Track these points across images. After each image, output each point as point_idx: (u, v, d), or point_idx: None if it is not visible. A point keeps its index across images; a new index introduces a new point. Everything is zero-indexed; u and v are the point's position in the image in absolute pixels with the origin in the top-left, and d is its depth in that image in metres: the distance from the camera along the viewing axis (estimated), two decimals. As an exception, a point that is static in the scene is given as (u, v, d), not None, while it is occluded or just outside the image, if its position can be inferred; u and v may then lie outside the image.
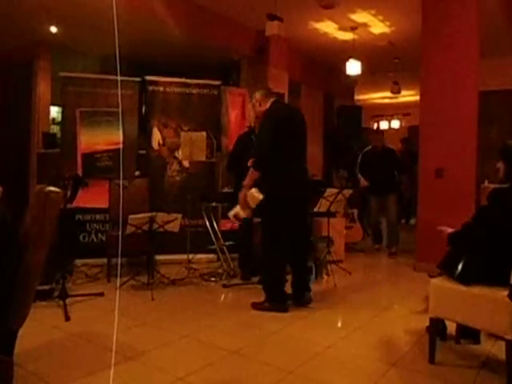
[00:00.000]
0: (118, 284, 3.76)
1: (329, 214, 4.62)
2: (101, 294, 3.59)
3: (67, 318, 3.11)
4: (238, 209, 3.43)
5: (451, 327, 2.80)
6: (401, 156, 6.95)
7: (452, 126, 4.67)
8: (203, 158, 4.54)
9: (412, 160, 6.83)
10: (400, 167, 5.97)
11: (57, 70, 5.59)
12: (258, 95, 3.61)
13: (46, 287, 3.44)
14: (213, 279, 4.26)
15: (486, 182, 5.97)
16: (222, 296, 3.86)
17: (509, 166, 2.53)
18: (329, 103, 8.95)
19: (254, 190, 3.33)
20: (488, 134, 6.24)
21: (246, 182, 3.38)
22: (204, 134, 4.47)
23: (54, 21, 5.83)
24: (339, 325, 3.36)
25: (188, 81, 5.23)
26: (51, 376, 2.32)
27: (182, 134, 4.62)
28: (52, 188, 2.12)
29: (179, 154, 4.82)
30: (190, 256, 4.45)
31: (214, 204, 4.68)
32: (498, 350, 2.58)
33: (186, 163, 4.96)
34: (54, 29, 6.02)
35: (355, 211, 6.01)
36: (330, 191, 4.49)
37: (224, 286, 4.04)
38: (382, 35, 6.64)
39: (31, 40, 6.56)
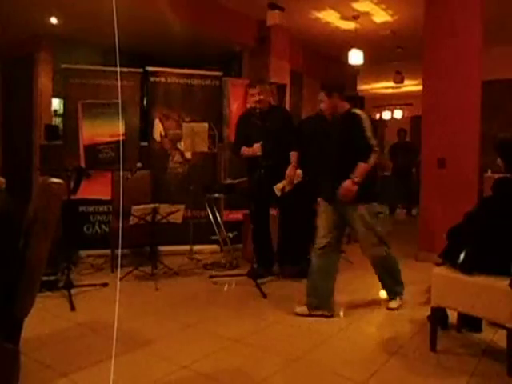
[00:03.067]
0: (118, 274, 3.80)
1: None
2: (105, 285, 3.63)
3: (72, 308, 3.15)
4: (285, 182, 3.80)
5: (453, 316, 2.82)
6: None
7: (455, 116, 4.64)
8: (205, 149, 4.54)
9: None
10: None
11: (59, 62, 5.58)
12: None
13: (52, 277, 3.48)
14: (216, 269, 4.28)
15: (490, 171, 5.95)
16: (226, 286, 3.88)
17: (506, 161, 2.54)
18: (331, 93, 8.90)
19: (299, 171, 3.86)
20: (491, 123, 6.21)
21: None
22: (206, 124, 4.46)
23: (55, 12, 5.80)
24: (341, 314, 3.37)
25: (189, 71, 5.21)
26: (56, 364, 2.36)
27: (184, 125, 4.60)
28: (55, 179, 2.13)
29: (181, 145, 4.83)
30: (195, 247, 4.47)
31: (216, 195, 4.69)
32: (499, 339, 2.59)
33: (188, 155, 4.96)
34: (54, 20, 6.00)
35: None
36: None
37: (211, 276, 3.99)
38: (384, 24, 6.58)
39: (32, 32, 6.54)
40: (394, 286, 3.33)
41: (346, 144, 3.07)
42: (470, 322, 2.80)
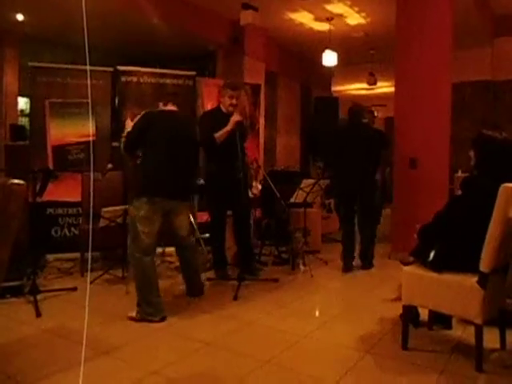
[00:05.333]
0: (88, 278, 3.68)
1: (305, 205, 4.64)
2: (74, 289, 3.51)
3: (38, 314, 3.03)
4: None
5: (424, 314, 2.86)
6: None
7: (426, 117, 4.72)
8: None
9: None
10: None
11: (25, 60, 5.40)
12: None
13: (17, 283, 3.35)
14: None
15: (460, 171, 6.09)
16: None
17: (479, 154, 2.58)
18: (306, 94, 8.96)
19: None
20: (461, 124, 6.35)
21: None
22: None
23: (21, 8, 5.62)
24: (315, 314, 3.38)
25: (162, 71, 5.14)
26: (20, 374, 2.26)
27: None
28: (15, 180, 2.05)
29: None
30: (168, 249, 4.39)
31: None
32: (469, 335, 2.63)
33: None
34: (21, 16, 5.81)
35: (332, 201, 6.05)
36: (306, 182, 4.49)
37: (209, 279, 3.95)
38: (357, 26, 6.67)
39: (-3, 28, 6.34)
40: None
41: None
42: (440, 320, 2.84)
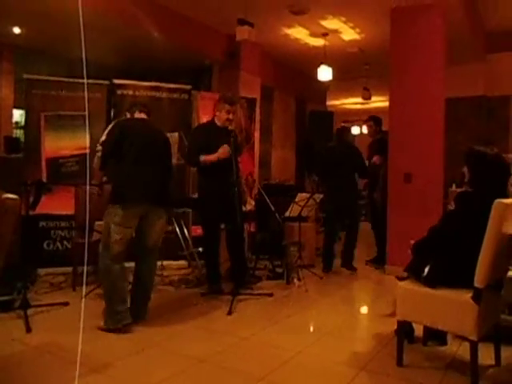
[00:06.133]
0: (83, 292, 3.63)
1: (300, 219, 4.63)
2: (65, 304, 3.46)
3: (28, 330, 2.97)
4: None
5: (419, 330, 2.84)
6: None
7: (420, 132, 4.77)
8: (174, 161, 4.41)
9: None
10: None
11: (21, 72, 5.41)
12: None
13: (7, 298, 3.29)
14: (183, 286, 4.19)
15: (454, 185, 6.12)
16: (194, 303, 3.78)
17: (472, 171, 2.59)
18: (301, 108, 9.02)
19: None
20: (455, 139, 6.40)
21: None
22: (176, 134, 4.36)
23: (18, 22, 5.65)
24: (310, 330, 3.35)
25: (158, 84, 5.15)
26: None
27: None
28: (9, 195, 2.03)
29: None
30: (160, 263, 4.35)
31: (184, 210, 4.60)
32: (464, 351, 2.61)
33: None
34: (17, 30, 5.84)
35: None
36: (301, 196, 4.49)
37: (202, 294, 3.93)
38: (352, 42, 6.74)
39: (-7, 41, 6.36)
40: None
41: None
42: (435, 335, 2.82)
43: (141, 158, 3.11)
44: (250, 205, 4.25)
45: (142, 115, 3.36)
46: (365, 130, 11.50)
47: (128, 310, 3.05)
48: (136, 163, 3.09)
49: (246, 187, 4.44)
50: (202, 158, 3.79)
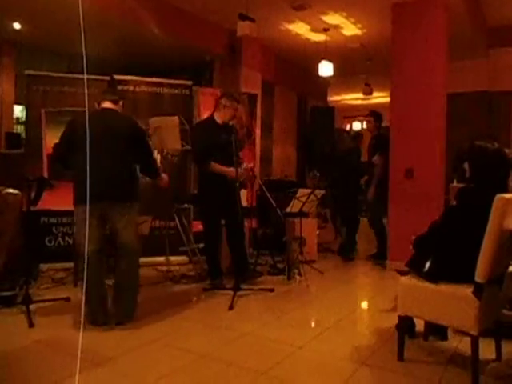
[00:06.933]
0: (84, 288, 3.64)
1: (301, 215, 4.63)
2: (67, 299, 3.48)
3: (31, 325, 2.99)
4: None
5: (420, 325, 2.84)
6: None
7: (421, 127, 4.75)
8: (178, 146, 4.23)
9: None
10: None
11: (22, 68, 5.41)
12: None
13: (9, 293, 3.31)
14: (184, 281, 4.20)
15: (455, 181, 6.10)
16: (195, 298, 3.79)
17: (473, 166, 2.58)
18: (302, 104, 8.99)
19: None
20: (457, 134, 6.38)
21: None
22: (175, 118, 4.22)
23: (18, 17, 5.64)
24: (311, 325, 3.36)
25: (158, 80, 5.14)
26: (11, 386, 2.23)
27: (151, 120, 4.18)
28: (10, 190, 2.05)
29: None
30: (161, 258, 4.37)
31: (185, 205, 4.60)
32: (465, 346, 2.61)
33: (157, 163, 4.85)
34: (17, 25, 5.83)
35: (327, 211, 6.05)
36: (302, 191, 4.49)
37: (204, 289, 3.93)
38: (353, 37, 6.71)
39: (-6, 37, 6.35)
40: None
41: None
42: (436, 330, 2.82)
43: (93, 154, 2.64)
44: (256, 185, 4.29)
45: (107, 104, 3.12)
46: (366, 125, 11.56)
47: (102, 310, 3.03)
48: (86, 160, 2.54)
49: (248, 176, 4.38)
50: (215, 166, 3.81)
